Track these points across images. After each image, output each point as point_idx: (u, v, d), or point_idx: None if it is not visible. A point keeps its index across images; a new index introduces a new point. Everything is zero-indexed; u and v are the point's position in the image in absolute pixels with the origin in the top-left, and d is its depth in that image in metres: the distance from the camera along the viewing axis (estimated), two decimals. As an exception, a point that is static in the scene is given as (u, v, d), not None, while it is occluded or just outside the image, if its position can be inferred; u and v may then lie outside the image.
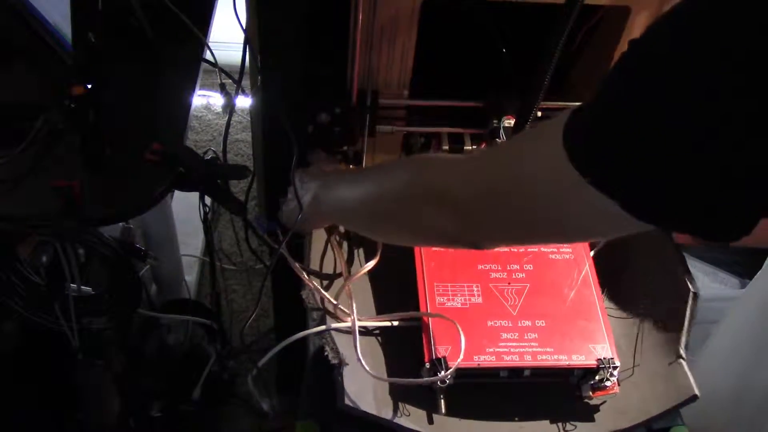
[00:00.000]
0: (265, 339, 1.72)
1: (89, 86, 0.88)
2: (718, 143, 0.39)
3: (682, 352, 0.88)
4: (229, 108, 1.03)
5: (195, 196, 0.98)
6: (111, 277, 0.97)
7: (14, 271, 0.97)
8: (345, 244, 0.97)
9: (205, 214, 1.01)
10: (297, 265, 0.89)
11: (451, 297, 0.91)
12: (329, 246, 0.96)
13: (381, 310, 0.94)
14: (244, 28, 0.99)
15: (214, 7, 1.24)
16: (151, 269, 1.69)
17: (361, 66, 0.90)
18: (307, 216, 0.86)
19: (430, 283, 0.92)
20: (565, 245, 0.96)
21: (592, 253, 0.98)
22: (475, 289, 0.92)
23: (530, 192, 0.52)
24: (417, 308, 0.90)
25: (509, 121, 0.93)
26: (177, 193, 1.46)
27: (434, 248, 0.94)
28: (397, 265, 0.94)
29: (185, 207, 1.69)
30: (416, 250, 0.94)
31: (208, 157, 0.96)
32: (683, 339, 0.89)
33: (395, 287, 0.94)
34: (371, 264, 0.93)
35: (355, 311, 0.88)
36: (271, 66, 0.95)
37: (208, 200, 1.01)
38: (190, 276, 1.84)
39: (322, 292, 0.89)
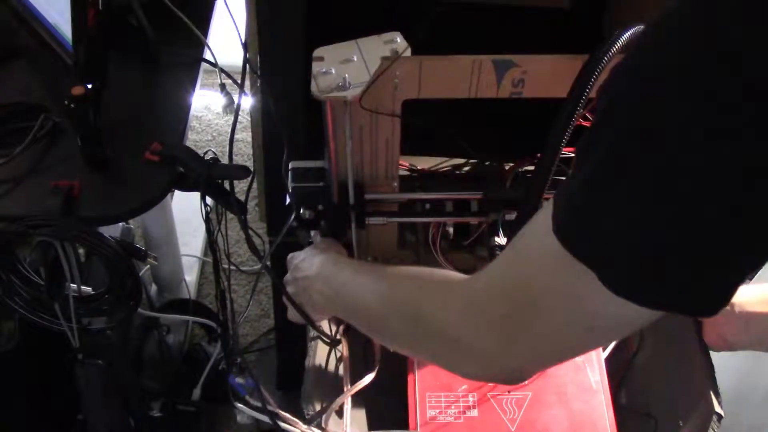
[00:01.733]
0: (265, 339, 1.72)
1: (89, 86, 0.88)
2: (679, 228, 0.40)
3: None
4: (234, 108, 1.03)
5: (195, 196, 0.98)
6: (111, 277, 0.97)
7: (14, 271, 0.97)
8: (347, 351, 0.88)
9: (206, 214, 1.01)
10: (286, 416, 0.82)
11: (443, 409, 0.83)
12: (331, 353, 0.90)
13: (375, 421, 0.86)
14: (243, 29, 0.99)
15: (214, 7, 1.24)
16: (151, 269, 1.69)
17: (341, 163, 0.82)
18: (315, 308, 0.80)
19: (422, 394, 0.85)
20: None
21: (605, 355, 0.89)
22: (471, 399, 0.84)
23: (542, 299, 0.49)
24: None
25: (510, 215, 0.86)
26: (177, 193, 1.46)
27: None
28: (393, 370, 0.86)
29: (185, 207, 1.69)
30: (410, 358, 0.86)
31: (208, 157, 0.96)
32: None
33: (393, 393, 0.86)
34: (367, 380, 0.83)
35: None
36: (269, 67, 0.95)
37: (209, 200, 1.01)
38: (190, 276, 1.84)
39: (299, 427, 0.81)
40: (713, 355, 0.89)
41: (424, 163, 0.94)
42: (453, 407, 0.83)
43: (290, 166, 0.85)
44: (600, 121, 0.44)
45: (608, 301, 0.44)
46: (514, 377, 0.57)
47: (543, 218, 0.47)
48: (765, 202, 0.38)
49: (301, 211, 0.85)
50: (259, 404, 0.81)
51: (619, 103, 0.42)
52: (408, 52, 0.75)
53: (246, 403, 0.83)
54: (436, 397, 0.84)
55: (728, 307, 0.85)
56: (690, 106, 0.38)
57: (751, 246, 0.41)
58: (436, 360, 0.65)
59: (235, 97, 1.06)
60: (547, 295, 0.49)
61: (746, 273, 0.43)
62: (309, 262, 0.80)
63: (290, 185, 0.85)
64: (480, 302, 0.55)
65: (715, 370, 0.88)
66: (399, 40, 0.75)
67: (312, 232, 0.88)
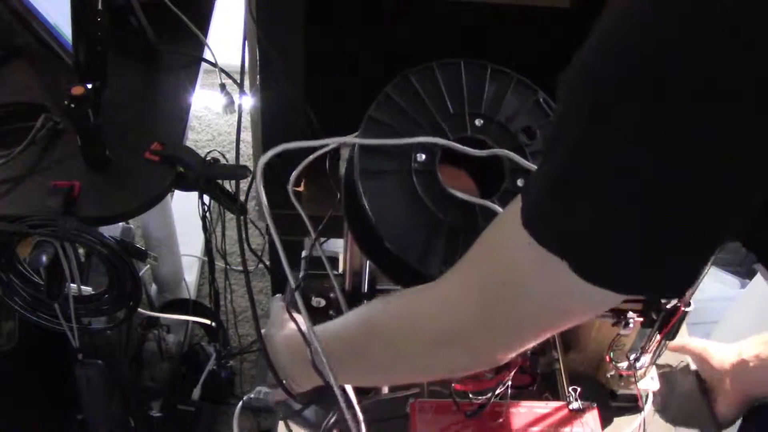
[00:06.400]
0: (265, 339, 1.72)
1: (89, 86, 0.88)
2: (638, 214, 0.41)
3: None
4: (234, 108, 1.03)
5: (195, 196, 0.98)
6: (111, 277, 0.97)
7: (14, 271, 0.97)
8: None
9: (204, 213, 1.01)
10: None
11: None
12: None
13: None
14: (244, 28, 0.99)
15: (214, 7, 1.24)
16: (151, 269, 1.69)
17: (353, 253, 0.82)
18: (293, 378, 0.77)
19: None
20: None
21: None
22: None
23: (516, 288, 0.51)
24: None
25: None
26: (177, 193, 1.47)
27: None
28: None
29: (185, 207, 1.70)
30: None
31: (210, 157, 0.96)
32: None
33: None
34: None
35: None
36: (270, 66, 0.95)
37: (206, 200, 1.01)
38: (190, 276, 1.84)
39: None
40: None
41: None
42: None
43: (302, 255, 0.87)
44: (562, 116, 0.45)
45: (583, 287, 0.45)
46: (496, 359, 0.59)
47: (512, 213, 0.48)
48: (719, 191, 0.40)
49: (312, 300, 0.85)
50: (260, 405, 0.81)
51: (578, 100, 0.43)
52: None
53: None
54: None
55: (753, 361, 0.86)
56: (640, 106, 0.39)
57: (711, 232, 0.43)
58: (420, 369, 0.65)
59: (236, 98, 1.06)
60: (522, 284, 0.50)
61: (711, 254, 0.45)
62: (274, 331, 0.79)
63: (302, 272, 0.85)
64: (456, 298, 0.56)
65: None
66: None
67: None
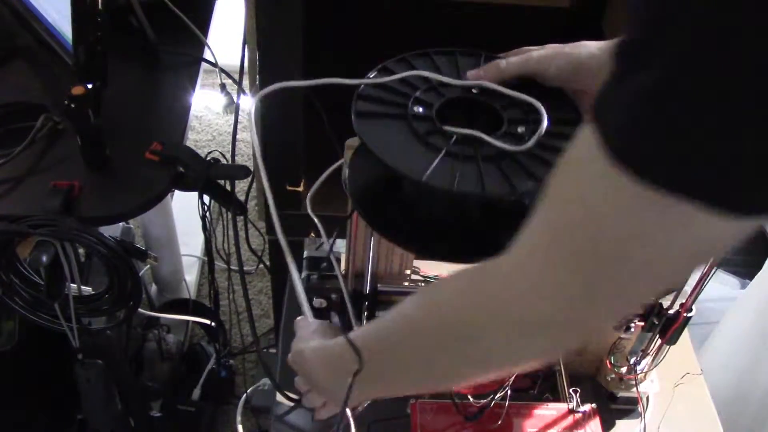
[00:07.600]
0: (265, 339, 1.72)
1: (89, 86, 0.88)
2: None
3: None
4: (234, 108, 1.03)
5: (195, 196, 0.98)
6: (111, 277, 0.97)
7: (14, 271, 0.97)
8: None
9: (203, 213, 1.01)
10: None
11: None
12: None
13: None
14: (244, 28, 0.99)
15: (214, 7, 1.24)
16: (151, 269, 1.69)
17: (356, 254, 0.82)
18: (329, 393, 0.73)
19: None
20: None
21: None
22: None
23: (623, 246, 0.41)
24: None
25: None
26: (177, 193, 1.47)
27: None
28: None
29: (185, 207, 1.70)
30: None
31: (210, 157, 0.96)
32: None
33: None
34: None
35: None
36: (270, 65, 0.95)
37: (206, 200, 1.01)
38: (190, 276, 1.84)
39: None
40: (713, 354, 0.89)
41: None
42: None
43: (305, 255, 0.87)
44: (660, 15, 0.35)
45: (711, 225, 0.37)
46: (601, 330, 0.51)
47: (590, 155, 0.39)
48: None
49: (314, 300, 0.85)
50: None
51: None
52: None
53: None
54: None
55: None
56: None
57: None
58: (497, 360, 0.54)
59: (235, 97, 1.06)
60: (630, 243, 0.40)
61: None
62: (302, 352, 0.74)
63: (304, 273, 0.86)
64: (540, 271, 0.46)
65: (716, 368, 0.88)
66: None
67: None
